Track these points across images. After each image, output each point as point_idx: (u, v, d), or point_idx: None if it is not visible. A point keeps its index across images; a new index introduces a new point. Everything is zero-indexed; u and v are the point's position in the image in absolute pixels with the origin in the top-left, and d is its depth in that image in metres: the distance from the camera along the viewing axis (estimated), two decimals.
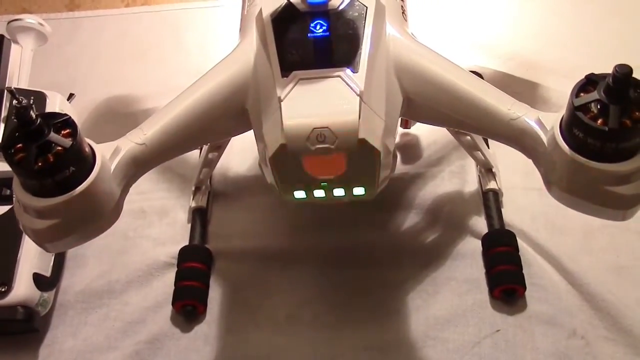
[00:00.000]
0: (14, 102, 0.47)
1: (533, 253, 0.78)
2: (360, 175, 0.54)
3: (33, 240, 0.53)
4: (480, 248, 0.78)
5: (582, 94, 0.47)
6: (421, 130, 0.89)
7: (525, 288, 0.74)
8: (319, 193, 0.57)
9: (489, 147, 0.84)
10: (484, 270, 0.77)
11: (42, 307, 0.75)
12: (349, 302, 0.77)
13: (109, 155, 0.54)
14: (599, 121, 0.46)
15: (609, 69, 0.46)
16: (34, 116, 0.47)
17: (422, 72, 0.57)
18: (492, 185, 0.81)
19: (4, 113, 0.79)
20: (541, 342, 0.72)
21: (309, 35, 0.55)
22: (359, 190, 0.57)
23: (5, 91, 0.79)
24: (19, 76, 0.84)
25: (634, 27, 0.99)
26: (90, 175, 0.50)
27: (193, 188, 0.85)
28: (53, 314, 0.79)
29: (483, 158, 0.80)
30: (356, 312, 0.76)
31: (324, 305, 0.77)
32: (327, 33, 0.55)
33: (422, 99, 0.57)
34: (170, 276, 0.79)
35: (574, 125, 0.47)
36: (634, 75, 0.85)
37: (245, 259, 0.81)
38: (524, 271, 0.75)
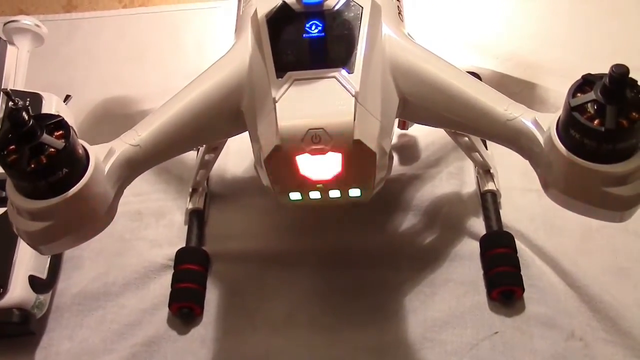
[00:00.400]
0: (10, 103, 0.47)
1: (531, 254, 0.77)
2: (356, 176, 0.54)
3: (27, 243, 0.53)
4: (479, 249, 0.78)
5: (578, 94, 0.47)
6: (419, 132, 0.89)
7: (523, 290, 0.73)
8: (314, 195, 0.56)
9: (487, 149, 0.83)
10: (482, 272, 0.77)
11: (38, 309, 0.74)
12: (346, 303, 0.76)
13: (102, 156, 0.53)
14: (596, 122, 0.45)
15: (606, 69, 0.45)
16: (26, 117, 0.47)
17: (418, 73, 0.57)
18: (490, 186, 0.80)
19: (0, 115, 0.78)
20: (539, 344, 0.71)
21: (304, 35, 0.55)
22: (354, 192, 0.57)
23: (1, 93, 0.79)
24: (15, 78, 0.84)
25: (632, 27, 0.98)
26: (84, 177, 0.50)
27: (190, 190, 0.85)
28: (49, 317, 0.79)
29: (481, 159, 0.80)
30: (354, 313, 0.76)
31: (321, 307, 0.76)
32: (323, 34, 0.55)
33: (418, 100, 0.57)
34: (167, 278, 0.79)
35: (571, 125, 0.47)
36: (632, 76, 0.85)
37: (243, 260, 0.81)
38: (522, 273, 0.74)
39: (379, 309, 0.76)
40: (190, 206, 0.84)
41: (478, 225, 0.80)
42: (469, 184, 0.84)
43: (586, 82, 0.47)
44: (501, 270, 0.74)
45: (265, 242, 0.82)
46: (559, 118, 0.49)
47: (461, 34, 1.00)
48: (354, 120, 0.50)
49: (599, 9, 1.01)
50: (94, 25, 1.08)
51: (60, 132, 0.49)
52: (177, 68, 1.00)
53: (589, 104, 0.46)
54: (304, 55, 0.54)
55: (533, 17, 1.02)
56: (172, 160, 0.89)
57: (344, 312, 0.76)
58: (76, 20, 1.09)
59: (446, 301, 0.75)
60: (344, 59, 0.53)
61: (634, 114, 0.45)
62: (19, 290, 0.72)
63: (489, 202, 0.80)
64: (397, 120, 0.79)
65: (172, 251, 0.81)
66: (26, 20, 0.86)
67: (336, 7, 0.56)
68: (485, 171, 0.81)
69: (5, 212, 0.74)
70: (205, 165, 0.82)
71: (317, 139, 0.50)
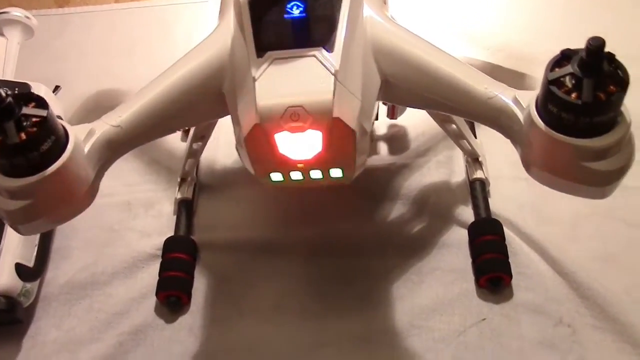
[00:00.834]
0: None
1: (520, 242, 0.77)
2: (337, 155, 0.54)
3: (7, 222, 0.53)
4: (467, 238, 0.78)
5: (557, 69, 0.47)
6: (409, 122, 0.89)
7: (511, 276, 0.73)
8: (295, 175, 0.56)
9: (476, 137, 0.83)
10: (470, 260, 0.76)
11: (24, 297, 0.74)
12: (334, 291, 0.76)
13: (83, 136, 0.53)
14: (573, 95, 0.45)
15: None
16: (4, 94, 0.47)
17: (400, 54, 0.57)
18: (479, 174, 0.80)
19: None
20: (527, 330, 0.71)
21: (285, 16, 0.55)
22: (336, 173, 0.56)
23: None
24: (4, 69, 0.84)
25: (625, 19, 0.98)
26: (63, 155, 0.50)
27: (179, 179, 0.84)
28: (37, 306, 0.79)
29: (470, 147, 0.79)
30: (341, 301, 0.75)
31: (309, 295, 0.76)
32: (304, 14, 0.54)
33: (400, 81, 0.57)
34: (155, 268, 0.79)
35: (549, 100, 0.47)
36: (629, 66, 0.85)
37: (231, 250, 0.81)
38: (510, 260, 0.74)
39: (366, 297, 0.75)
40: (179, 196, 0.84)
41: (467, 213, 0.80)
42: (458, 173, 0.84)
43: (565, 57, 0.47)
44: (489, 257, 0.74)
45: (254, 231, 0.82)
46: (539, 94, 0.49)
47: (453, 25, 1.00)
48: (333, 97, 0.50)
49: (594, 1, 1.01)
50: (85, 20, 1.08)
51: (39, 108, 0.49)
52: (166, 62, 0.97)
53: (567, 78, 0.46)
54: (285, 36, 0.54)
55: (526, 8, 1.02)
56: (162, 151, 0.91)
57: (331, 300, 0.76)
58: (68, 14, 1.09)
59: (434, 289, 0.75)
60: (325, 39, 0.53)
61: (611, 87, 0.45)
62: (5, 278, 0.72)
63: (477, 190, 0.80)
64: (385, 109, 0.80)
65: (160, 241, 0.81)
66: (16, 12, 0.87)
67: None
68: (473, 159, 0.81)
69: None
70: (194, 154, 0.82)
71: (296, 117, 0.50)
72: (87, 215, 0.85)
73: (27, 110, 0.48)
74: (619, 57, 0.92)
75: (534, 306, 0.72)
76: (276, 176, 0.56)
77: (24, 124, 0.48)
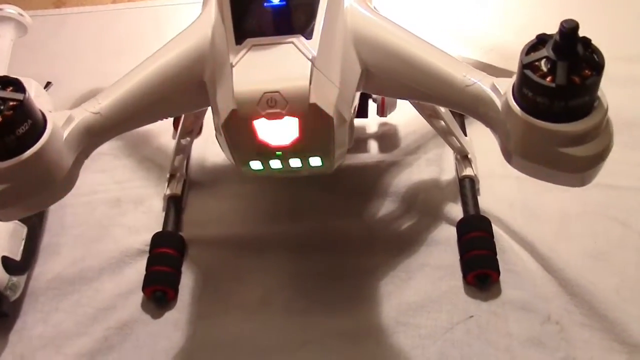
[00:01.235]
0: None
1: (508, 239, 0.76)
2: (315, 143, 0.54)
3: None
4: (456, 235, 0.77)
5: (532, 53, 0.46)
6: (400, 120, 0.89)
7: (499, 273, 0.72)
8: (275, 164, 0.56)
9: (466, 135, 0.83)
10: (458, 257, 0.76)
11: (11, 291, 0.74)
12: (321, 288, 0.76)
13: (61, 123, 0.53)
14: (548, 79, 0.45)
15: None
16: None
17: (380, 43, 0.56)
18: (468, 172, 0.80)
19: None
20: (515, 327, 0.70)
21: (265, 4, 0.55)
22: (315, 161, 0.56)
23: None
24: None
25: (620, 20, 0.98)
26: (41, 140, 0.50)
27: (168, 176, 0.85)
28: (24, 301, 0.79)
29: (459, 144, 0.79)
30: (328, 298, 0.75)
31: (295, 292, 0.76)
32: (284, 2, 0.55)
33: (380, 70, 0.57)
34: (143, 264, 0.79)
35: (524, 84, 0.46)
36: (627, 65, 0.85)
37: (219, 246, 0.81)
38: (499, 258, 0.73)
39: (353, 294, 0.75)
40: (168, 192, 0.84)
41: (456, 210, 0.79)
42: (447, 171, 0.83)
43: (540, 42, 0.47)
44: (476, 254, 0.73)
45: (242, 227, 0.82)
46: (515, 80, 0.48)
47: (445, 23, 1.00)
48: (310, 83, 0.50)
49: (589, 2, 1.00)
50: (82, 20, 1.09)
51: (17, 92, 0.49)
52: None
53: (542, 62, 0.46)
54: (264, 23, 0.54)
55: (522, 9, 1.02)
56: (153, 148, 0.92)
57: (318, 296, 0.75)
58: (64, 15, 1.10)
59: (421, 285, 0.74)
60: (304, 27, 0.53)
61: (586, 71, 0.45)
62: None
63: (466, 188, 0.79)
64: (375, 107, 0.80)
65: (149, 237, 0.81)
66: (10, 9, 0.87)
67: None
68: (463, 157, 0.81)
69: None
70: (182, 150, 0.82)
71: (273, 103, 0.50)
72: (77, 212, 0.87)
73: (3, 93, 0.49)
74: (617, 58, 0.92)
75: (521, 303, 0.72)
76: (256, 165, 0.56)
77: (0, 107, 0.48)
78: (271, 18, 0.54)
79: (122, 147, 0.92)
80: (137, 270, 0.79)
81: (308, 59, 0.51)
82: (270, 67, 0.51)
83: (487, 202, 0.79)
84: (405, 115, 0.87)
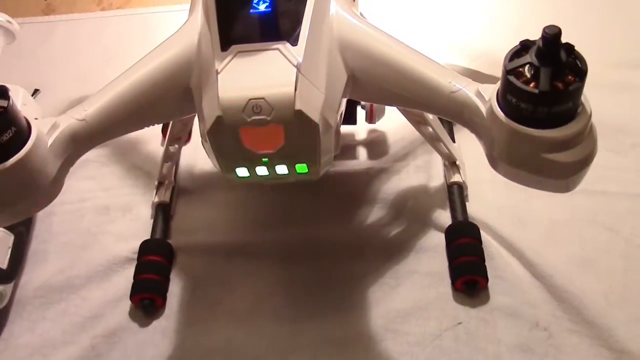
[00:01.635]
0: None
1: (497, 246, 0.76)
2: (301, 149, 0.54)
3: None
4: (444, 241, 0.77)
5: (516, 59, 0.47)
6: (388, 127, 0.89)
7: (487, 280, 0.72)
8: (261, 170, 0.56)
9: (454, 141, 0.83)
10: (447, 264, 0.76)
11: None
12: (309, 295, 0.75)
13: (46, 129, 0.53)
14: (531, 85, 0.45)
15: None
16: None
17: (366, 49, 0.57)
18: (456, 178, 0.80)
19: None
20: (503, 334, 0.70)
21: (251, 11, 0.55)
22: (301, 168, 0.56)
23: None
24: None
25: (610, 27, 0.99)
26: (25, 147, 0.50)
27: (156, 183, 0.84)
28: (11, 309, 0.78)
29: (447, 151, 0.79)
30: (316, 305, 0.75)
31: (284, 299, 0.76)
32: (270, 9, 0.55)
33: (367, 77, 0.57)
34: (131, 271, 0.78)
35: (508, 90, 0.46)
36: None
37: (207, 253, 0.80)
38: (487, 264, 0.73)
39: (342, 301, 0.75)
40: (156, 199, 0.83)
41: (444, 217, 0.79)
42: (436, 178, 0.83)
43: (524, 48, 0.47)
44: (465, 260, 0.73)
45: (231, 235, 0.82)
46: (499, 86, 0.49)
47: (433, 30, 1.00)
48: (295, 90, 0.50)
49: (579, 11, 1.01)
50: (71, 28, 1.09)
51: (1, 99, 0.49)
52: None
53: (526, 68, 0.46)
54: (250, 30, 0.54)
55: (507, 14, 1.02)
56: (142, 155, 0.91)
57: (306, 304, 0.75)
58: (54, 22, 1.10)
59: (410, 292, 0.74)
60: (289, 33, 0.53)
61: (569, 77, 0.45)
62: None
63: (455, 194, 0.79)
64: (364, 113, 0.80)
65: (137, 244, 0.80)
66: None
67: None
68: (451, 163, 0.81)
69: None
70: (170, 157, 0.82)
71: (258, 109, 0.50)
72: (65, 219, 0.86)
73: None
74: (607, 64, 0.93)
75: (510, 310, 0.72)
76: (242, 171, 0.56)
77: None
78: (257, 24, 0.54)
79: (111, 154, 0.91)
80: (125, 278, 0.79)
81: (293, 65, 0.51)
82: (256, 73, 0.51)
83: (476, 208, 0.79)
84: (394, 122, 0.87)
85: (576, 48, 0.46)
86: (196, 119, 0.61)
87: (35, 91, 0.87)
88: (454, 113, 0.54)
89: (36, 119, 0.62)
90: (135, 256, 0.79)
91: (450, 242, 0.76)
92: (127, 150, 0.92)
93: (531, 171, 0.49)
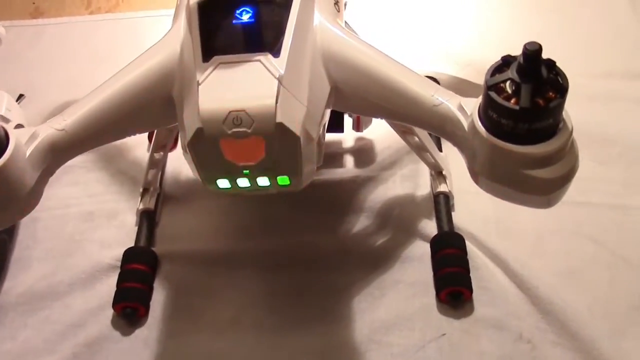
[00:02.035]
0: None
1: (482, 257, 0.76)
2: (282, 162, 0.53)
3: None
4: (430, 252, 0.77)
5: (497, 75, 0.46)
6: (375, 135, 0.88)
7: (471, 291, 0.72)
8: (243, 182, 0.55)
9: (441, 151, 0.83)
10: (432, 274, 0.75)
11: None
12: (293, 306, 0.75)
13: (25, 140, 0.53)
14: (512, 101, 0.45)
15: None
16: None
17: (349, 61, 0.56)
18: (442, 188, 0.80)
19: None
20: (487, 346, 0.70)
21: (233, 22, 0.54)
22: (283, 180, 0.55)
23: None
24: None
25: (596, 35, 0.99)
26: (3, 157, 0.49)
27: (141, 190, 0.84)
28: None
29: (433, 160, 0.79)
30: (300, 316, 0.74)
31: (267, 309, 0.75)
32: (253, 19, 0.54)
33: (350, 88, 0.57)
34: (115, 279, 0.78)
35: (489, 106, 0.46)
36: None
37: (191, 262, 0.80)
38: (472, 275, 0.73)
39: (326, 311, 0.74)
40: (141, 206, 0.83)
41: (430, 227, 0.79)
42: (423, 187, 0.83)
43: (505, 63, 0.47)
44: (450, 271, 0.73)
45: (215, 243, 0.81)
46: (481, 101, 0.48)
47: (422, 38, 1.00)
48: (276, 102, 0.50)
49: (568, 20, 1.01)
50: (59, 31, 1.08)
51: None
52: None
53: (507, 84, 0.46)
54: (232, 41, 0.54)
55: (496, 23, 1.02)
56: (128, 161, 0.91)
57: (290, 314, 0.74)
58: (42, 26, 1.09)
59: (394, 303, 0.74)
60: (271, 45, 0.53)
61: (550, 93, 0.45)
62: None
63: (441, 204, 0.79)
64: (350, 121, 0.80)
65: (121, 252, 0.80)
66: None
67: None
68: (437, 173, 0.80)
69: None
70: (156, 164, 0.82)
71: (238, 121, 0.50)
72: (49, 225, 0.86)
73: None
74: (594, 74, 0.93)
75: (494, 321, 0.71)
76: (223, 183, 0.56)
77: None
78: (239, 35, 0.54)
79: (96, 159, 0.91)
80: (109, 285, 0.78)
81: (275, 77, 0.51)
82: (237, 85, 0.51)
83: (462, 218, 0.79)
84: (381, 130, 0.86)
85: (564, 58, 0.46)
86: None
87: (20, 96, 0.86)
88: (436, 126, 0.54)
89: (20, 124, 0.62)
90: (119, 264, 0.79)
91: (435, 253, 0.75)
92: (113, 156, 0.91)
93: (512, 186, 0.49)
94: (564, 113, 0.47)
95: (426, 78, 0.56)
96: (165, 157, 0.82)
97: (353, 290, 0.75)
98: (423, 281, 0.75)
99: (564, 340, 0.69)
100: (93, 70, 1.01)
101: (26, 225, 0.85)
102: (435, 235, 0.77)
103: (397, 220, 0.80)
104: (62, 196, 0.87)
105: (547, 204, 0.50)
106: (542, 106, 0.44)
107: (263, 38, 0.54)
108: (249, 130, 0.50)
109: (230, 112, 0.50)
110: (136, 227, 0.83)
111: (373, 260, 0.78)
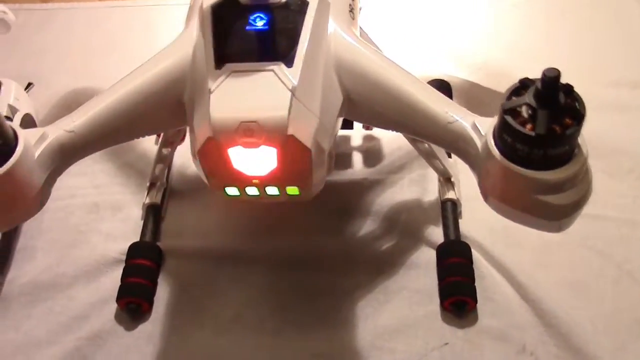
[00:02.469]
0: None
1: (488, 266, 0.76)
2: (292, 173, 0.53)
3: None
4: (435, 259, 0.76)
5: (514, 98, 0.46)
6: (385, 135, 0.88)
7: (476, 301, 0.72)
8: (251, 191, 0.55)
9: (450, 157, 0.82)
10: (437, 281, 0.75)
11: None
12: (296, 306, 0.75)
13: (34, 140, 0.52)
14: (528, 126, 0.44)
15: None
16: None
17: (364, 72, 0.56)
18: (450, 195, 0.79)
19: None
20: (489, 357, 0.70)
21: (247, 28, 0.54)
22: (293, 190, 0.55)
23: None
24: None
25: (607, 43, 0.98)
26: (12, 158, 0.49)
27: (148, 184, 0.83)
28: None
29: (441, 167, 0.78)
30: (303, 317, 0.74)
31: (270, 309, 0.75)
32: (267, 27, 0.54)
33: (363, 99, 0.56)
34: (119, 273, 0.77)
35: (504, 129, 0.46)
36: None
37: (196, 258, 0.80)
38: (477, 284, 0.73)
39: (329, 314, 0.74)
40: (147, 201, 0.83)
41: (437, 233, 0.78)
42: (431, 192, 0.83)
43: (523, 86, 0.46)
44: (455, 280, 0.73)
45: (221, 240, 0.81)
46: (496, 123, 0.48)
47: (434, 42, 0.99)
48: (289, 114, 0.49)
49: (577, 25, 1.00)
50: (69, 16, 1.07)
51: None
52: None
53: (524, 108, 0.45)
54: (245, 48, 0.53)
55: (509, 28, 1.01)
56: (135, 154, 0.90)
57: (293, 315, 0.74)
58: (51, 10, 1.08)
59: (399, 309, 0.74)
60: (285, 53, 0.52)
61: (567, 120, 0.44)
62: None
63: (448, 211, 0.78)
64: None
65: (126, 246, 0.79)
66: None
67: (283, 1, 0.55)
68: (446, 179, 0.80)
69: None
70: (163, 159, 0.81)
71: (250, 132, 0.49)
72: (54, 216, 0.85)
73: None
74: (604, 83, 0.92)
75: (497, 332, 0.71)
76: (232, 190, 0.55)
77: None
78: (253, 43, 0.53)
79: (104, 151, 0.89)
80: (113, 279, 0.78)
81: (288, 89, 0.50)
82: (249, 95, 0.50)
83: (469, 226, 0.79)
84: (390, 132, 0.85)
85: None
86: None
87: (29, 85, 0.85)
88: (448, 143, 0.53)
89: (29, 114, 0.61)
90: (124, 257, 0.79)
91: (441, 261, 0.75)
92: (120, 148, 0.90)
93: (522, 210, 0.49)
94: (579, 138, 0.46)
95: (440, 93, 0.55)
96: (172, 153, 0.81)
97: (358, 295, 0.75)
98: (428, 288, 0.75)
99: (566, 353, 0.69)
100: (104, 58, 1.01)
101: None
102: (442, 243, 0.76)
103: (404, 225, 0.80)
104: (68, 186, 0.87)
105: (558, 228, 0.50)
106: (559, 133, 0.44)
107: (277, 46, 0.53)
108: (260, 142, 0.50)
109: (241, 122, 0.49)
110: (141, 221, 0.82)
111: (378, 264, 0.77)
